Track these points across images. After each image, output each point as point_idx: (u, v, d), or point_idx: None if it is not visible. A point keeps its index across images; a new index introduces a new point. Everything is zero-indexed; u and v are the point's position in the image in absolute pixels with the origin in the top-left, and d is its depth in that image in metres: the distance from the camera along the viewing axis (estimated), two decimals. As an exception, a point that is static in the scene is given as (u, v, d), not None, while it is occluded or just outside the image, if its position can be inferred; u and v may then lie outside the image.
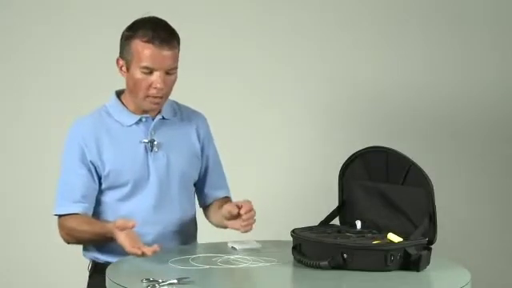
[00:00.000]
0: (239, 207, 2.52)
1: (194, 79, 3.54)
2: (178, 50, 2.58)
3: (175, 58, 2.55)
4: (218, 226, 2.71)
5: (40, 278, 3.65)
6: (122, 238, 2.35)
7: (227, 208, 2.55)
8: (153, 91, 2.54)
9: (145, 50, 2.52)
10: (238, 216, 2.52)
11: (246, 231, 2.54)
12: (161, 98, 2.56)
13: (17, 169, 3.67)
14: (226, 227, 2.62)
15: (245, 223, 2.51)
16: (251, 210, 2.52)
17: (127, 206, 2.59)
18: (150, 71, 2.52)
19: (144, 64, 2.52)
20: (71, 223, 2.55)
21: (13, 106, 3.66)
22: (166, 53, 2.52)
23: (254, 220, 2.53)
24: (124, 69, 2.58)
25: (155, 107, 2.60)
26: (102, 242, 2.54)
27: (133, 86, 2.57)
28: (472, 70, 3.78)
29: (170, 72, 2.55)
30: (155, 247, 2.29)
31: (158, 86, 2.52)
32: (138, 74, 2.54)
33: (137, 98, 2.58)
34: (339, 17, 3.75)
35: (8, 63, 3.65)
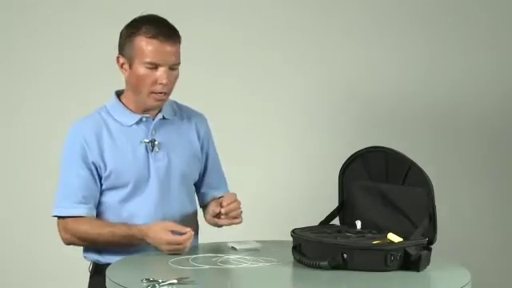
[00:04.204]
0: (221, 204, 2.56)
1: (194, 79, 3.55)
2: (180, 46, 2.59)
3: (178, 54, 2.57)
4: (212, 225, 2.71)
5: (41, 278, 3.64)
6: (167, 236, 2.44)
7: (211, 207, 2.62)
8: (158, 87, 2.54)
9: (149, 46, 2.52)
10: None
11: (232, 224, 2.58)
12: (165, 94, 2.56)
13: (15, 169, 3.67)
14: (219, 225, 2.64)
15: (224, 217, 2.55)
16: (232, 202, 2.56)
17: (128, 207, 2.59)
18: (155, 67, 2.53)
19: (149, 60, 2.52)
20: (81, 226, 2.55)
21: (12, 106, 3.66)
22: (170, 48, 2.53)
23: (240, 211, 2.57)
24: (126, 66, 2.57)
25: (159, 104, 2.59)
26: (119, 244, 2.53)
27: (136, 83, 2.56)
28: (471, 68, 3.78)
29: (174, 68, 2.56)
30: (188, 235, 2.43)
31: (164, 81, 2.53)
32: (142, 70, 2.54)
33: (140, 95, 2.58)
34: (339, 18, 3.75)
35: (8, 63, 3.65)
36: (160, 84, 2.53)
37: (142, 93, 2.57)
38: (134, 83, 2.57)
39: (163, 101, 2.59)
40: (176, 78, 2.58)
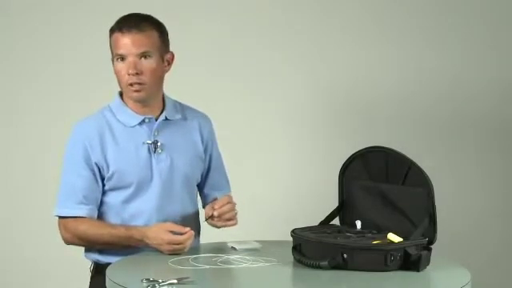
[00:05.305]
0: (214, 207, 2.56)
1: (194, 79, 3.55)
2: (158, 36, 2.57)
3: (147, 43, 2.55)
4: (211, 226, 2.71)
5: (40, 278, 3.64)
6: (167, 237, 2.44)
7: (205, 210, 2.62)
8: (129, 78, 2.55)
9: (115, 39, 2.56)
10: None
11: (226, 226, 2.58)
12: (140, 84, 2.55)
13: (15, 169, 3.66)
14: (218, 226, 2.64)
15: (217, 219, 2.55)
16: (225, 204, 2.55)
17: (130, 207, 2.59)
18: (123, 58, 2.54)
19: (116, 52, 2.56)
20: (80, 226, 2.55)
21: (12, 106, 3.66)
22: (134, 37, 2.53)
23: (235, 213, 2.58)
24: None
25: (136, 95, 2.57)
26: (119, 245, 2.54)
27: (117, 79, 2.59)
28: (471, 68, 3.78)
29: (145, 56, 2.54)
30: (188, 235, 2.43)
31: (130, 71, 2.53)
32: (116, 64, 2.57)
33: (124, 91, 2.60)
34: (339, 18, 3.74)
35: (8, 63, 3.65)
36: (129, 75, 2.54)
37: (122, 88, 2.59)
38: (117, 80, 2.60)
39: (140, 92, 2.57)
40: (152, 67, 2.55)
